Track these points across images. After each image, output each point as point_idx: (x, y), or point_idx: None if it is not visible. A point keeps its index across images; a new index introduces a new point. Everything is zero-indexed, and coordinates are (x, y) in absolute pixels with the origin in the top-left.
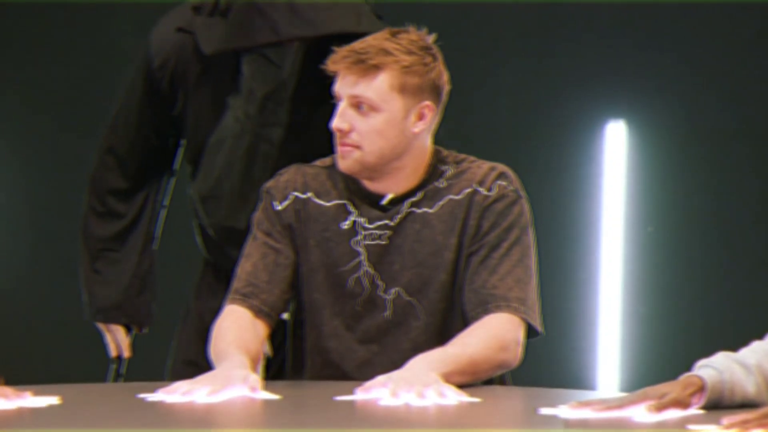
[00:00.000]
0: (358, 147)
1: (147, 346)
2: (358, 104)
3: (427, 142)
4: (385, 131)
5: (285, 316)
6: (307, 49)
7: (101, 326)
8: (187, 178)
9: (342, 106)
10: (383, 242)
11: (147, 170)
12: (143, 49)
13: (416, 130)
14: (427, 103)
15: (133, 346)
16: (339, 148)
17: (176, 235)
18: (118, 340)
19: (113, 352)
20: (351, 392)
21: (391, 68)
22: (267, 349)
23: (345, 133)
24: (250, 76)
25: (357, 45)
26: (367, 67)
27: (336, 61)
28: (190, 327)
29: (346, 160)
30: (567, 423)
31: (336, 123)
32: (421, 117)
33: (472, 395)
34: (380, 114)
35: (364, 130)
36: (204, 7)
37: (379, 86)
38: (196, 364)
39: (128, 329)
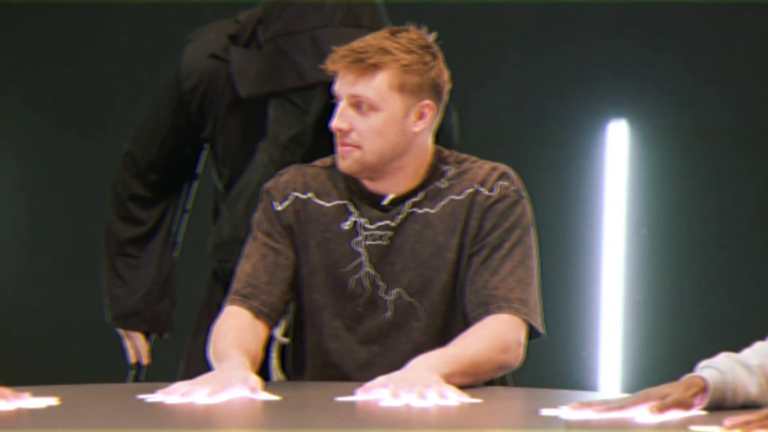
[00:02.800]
0: (358, 147)
1: (164, 352)
2: (357, 104)
3: (428, 142)
4: (384, 131)
5: (286, 340)
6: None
7: (121, 331)
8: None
9: (341, 106)
10: (384, 243)
11: (169, 181)
12: (173, 67)
13: (416, 129)
14: (427, 102)
15: (152, 351)
16: (339, 148)
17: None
18: (137, 346)
19: (132, 359)
20: (351, 393)
21: (391, 67)
22: (282, 376)
23: (345, 133)
24: (275, 121)
25: (356, 44)
26: (366, 66)
27: (335, 61)
28: (201, 344)
29: (346, 160)
30: (568, 424)
31: (335, 123)
32: (421, 116)
33: (473, 396)
34: (380, 113)
35: (364, 130)
36: (240, 37)
37: (378, 85)
38: None
39: (148, 335)
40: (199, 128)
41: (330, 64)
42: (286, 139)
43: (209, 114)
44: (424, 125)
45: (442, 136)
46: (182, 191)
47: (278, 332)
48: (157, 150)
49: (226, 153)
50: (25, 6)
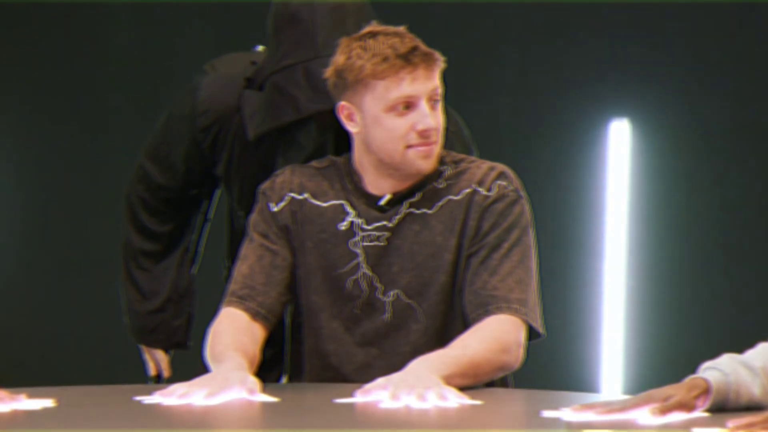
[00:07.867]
0: (436, 143)
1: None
2: (434, 99)
3: None
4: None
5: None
6: (328, 122)
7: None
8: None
9: (424, 105)
10: (381, 243)
11: (187, 197)
12: (189, 98)
13: None
14: None
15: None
16: (422, 149)
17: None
18: (156, 359)
19: (152, 371)
20: (350, 395)
21: (439, 60)
22: None
23: (430, 132)
24: (281, 157)
25: (409, 43)
26: (432, 60)
27: (411, 62)
28: None
29: (431, 158)
30: (570, 426)
31: (431, 123)
32: None
33: (473, 397)
34: (440, 104)
35: (440, 124)
36: (256, 80)
37: (439, 78)
38: None
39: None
40: (212, 164)
41: (398, 69)
42: None
43: (222, 153)
44: None
45: None
46: (203, 202)
47: None
48: (171, 176)
49: (241, 196)
50: (25, 6)
